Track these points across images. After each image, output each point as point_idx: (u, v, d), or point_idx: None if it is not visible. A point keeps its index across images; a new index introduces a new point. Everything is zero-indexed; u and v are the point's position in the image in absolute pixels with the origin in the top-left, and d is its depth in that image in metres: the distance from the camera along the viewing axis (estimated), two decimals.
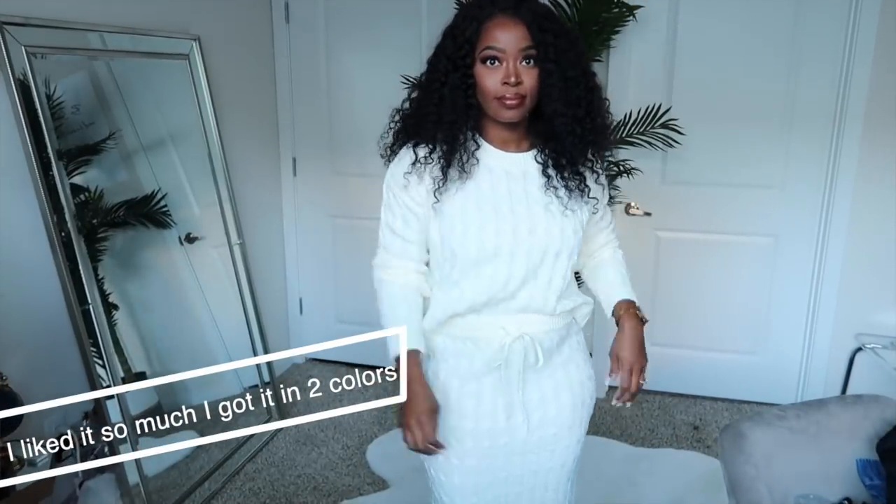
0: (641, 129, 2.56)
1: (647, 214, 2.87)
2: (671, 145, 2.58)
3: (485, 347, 1.28)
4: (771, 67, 2.67)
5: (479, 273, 1.24)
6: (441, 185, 1.22)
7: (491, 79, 1.17)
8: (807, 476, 1.63)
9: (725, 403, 3.01)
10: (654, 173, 2.82)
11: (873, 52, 2.52)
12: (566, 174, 1.25)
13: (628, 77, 2.78)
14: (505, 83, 1.16)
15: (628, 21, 2.56)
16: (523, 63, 1.17)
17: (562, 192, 1.25)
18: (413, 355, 1.25)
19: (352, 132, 3.15)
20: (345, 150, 3.18)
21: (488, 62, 1.17)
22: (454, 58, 1.18)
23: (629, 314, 1.33)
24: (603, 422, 2.86)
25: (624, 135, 2.59)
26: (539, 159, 1.27)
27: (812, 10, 2.58)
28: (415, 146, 1.24)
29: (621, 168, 2.64)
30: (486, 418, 1.31)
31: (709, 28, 2.69)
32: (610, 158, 2.64)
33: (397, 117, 1.28)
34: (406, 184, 1.25)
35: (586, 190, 1.27)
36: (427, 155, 1.22)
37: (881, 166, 2.62)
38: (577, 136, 1.21)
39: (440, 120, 1.20)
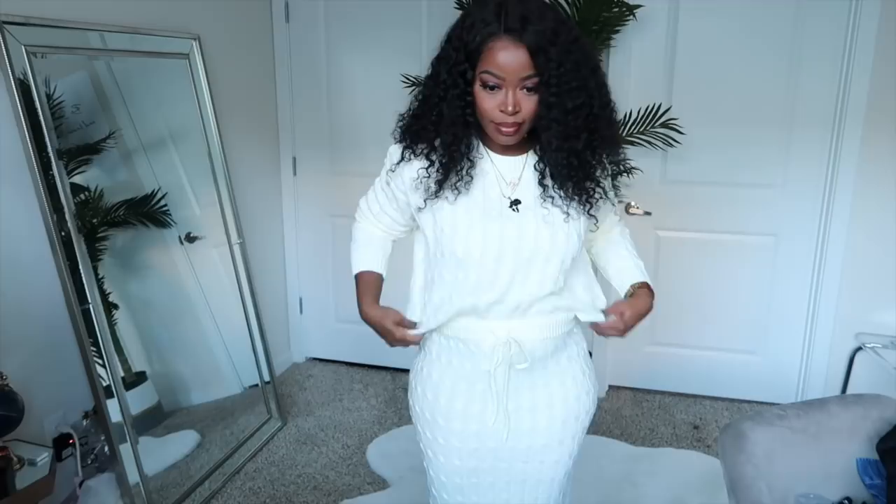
0: (641, 129, 2.56)
1: (647, 214, 2.87)
2: (671, 145, 2.58)
3: (475, 350, 1.27)
4: (771, 67, 2.67)
5: (467, 275, 1.23)
6: (434, 195, 1.23)
7: (488, 102, 1.14)
8: (807, 475, 1.63)
9: (725, 403, 3.01)
10: (654, 173, 2.82)
11: (873, 52, 2.52)
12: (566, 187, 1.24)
13: (628, 77, 2.78)
14: (502, 111, 1.13)
15: (628, 21, 2.56)
16: (523, 91, 1.13)
17: (558, 200, 1.23)
18: (368, 275, 1.39)
19: (352, 132, 3.15)
20: (345, 150, 3.18)
21: (487, 87, 1.13)
22: (454, 72, 1.14)
23: (645, 290, 1.35)
24: (603, 422, 2.86)
25: (624, 134, 2.59)
26: (538, 167, 1.24)
27: (812, 10, 2.58)
28: (413, 154, 1.25)
29: (621, 167, 2.64)
30: (473, 420, 1.31)
31: (709, 28, 2.69)
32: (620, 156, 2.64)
33: (401, 123, 1.27)
34: (402, 182, 1.28)
35: (586, 205, 1.23)
36: (425, 168, 1.23)
37: (881, 166, 2.62)
38: (573, 169, 1.19)
39: (438, 137, 1.20)
